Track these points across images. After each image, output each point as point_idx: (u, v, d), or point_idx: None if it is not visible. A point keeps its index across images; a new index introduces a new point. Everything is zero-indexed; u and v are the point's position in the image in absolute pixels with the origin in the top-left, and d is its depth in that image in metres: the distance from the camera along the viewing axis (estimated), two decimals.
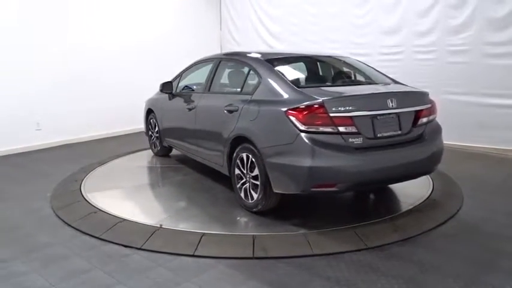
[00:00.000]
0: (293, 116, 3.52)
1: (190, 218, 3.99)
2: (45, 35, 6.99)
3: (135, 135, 8.35)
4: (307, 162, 3.44)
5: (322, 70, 4.90)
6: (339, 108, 3.50)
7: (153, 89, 8.57)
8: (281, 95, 3.84)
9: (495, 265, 3.08)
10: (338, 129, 3.49)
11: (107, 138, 7.95)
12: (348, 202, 4.53)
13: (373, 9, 7.61)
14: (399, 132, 3.78)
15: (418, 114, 3.91)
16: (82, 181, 5.10)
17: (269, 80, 4.06)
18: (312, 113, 3.49)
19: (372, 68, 4.83)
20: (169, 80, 5.83)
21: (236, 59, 4.81)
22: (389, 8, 7.40)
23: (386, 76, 4.62)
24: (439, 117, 6.85)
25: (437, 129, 4.18)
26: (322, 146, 3.44)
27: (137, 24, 8.49)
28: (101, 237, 3.58)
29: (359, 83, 4.62)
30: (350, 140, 3.52)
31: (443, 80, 6.91)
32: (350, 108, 3.54)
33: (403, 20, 7.24)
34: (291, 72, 4.40)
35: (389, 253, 3.29)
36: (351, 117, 3.53)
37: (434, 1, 6.83)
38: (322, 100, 3.50)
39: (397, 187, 4.74)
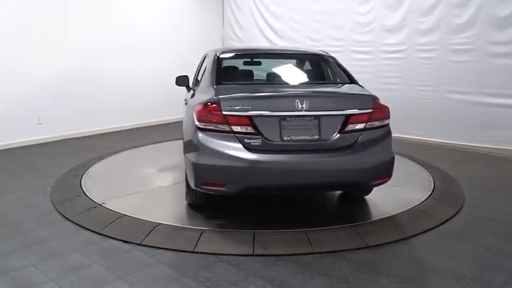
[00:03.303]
0: (195, 113, 3.54)
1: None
2: (46, 30, 6.95)
3: (136, 130, 8.34)
4: (196, 158, 3.45)
5: (270, 68, 4.85)
6: (234, 107, 3.38)
7: (154, 85, 8.60)
8: (202, 91, 3.91)
9: (496, 264, 3.07)
10: (232, 129, 3.37)
11: (107, 133, 7.92)
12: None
13: (376, 7, 7.58)
14: (316, 137, 3.47)
15: (349, 120, 3.51)
16: (82, 176, 5.09)
17: (206, 75, 4.16)
18: (206, 111, 3.45)
19: (339, 67, 4.45)
20: (185, 74, 5.83)
21: (208, 54, 4.79)
22: (392, 6, 7.38)
23: (348, 76, 4.26)
24: (441, 116, 6.93)
25: (382, 139, 3.64)
26: (212, 144, 3.38)
27: (139, 20, 8.46)
28: (100, 232, 3.56)
29: (295, 83, 4.44)
30: (246, 140, 3.36)
31: (446, 79, 6.90)
32: (248, 107, 3.38)
33: (406, 18, 7.22)
34: (232, 69, 4.59)
35: (389, 252, 3.28)
36: (249, 117, 3.38)
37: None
38: (218, 98, 3.46)
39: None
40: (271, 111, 3.44)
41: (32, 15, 6.76)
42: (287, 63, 5.07)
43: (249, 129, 3.38)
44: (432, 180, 4.91)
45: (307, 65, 4.93)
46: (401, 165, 5.72)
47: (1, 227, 3.77)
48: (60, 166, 5.53)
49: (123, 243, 3.39)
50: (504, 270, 3.01)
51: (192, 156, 3.53)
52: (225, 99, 3.46)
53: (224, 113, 3.38)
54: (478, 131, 6.59)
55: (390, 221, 3.81)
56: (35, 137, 6.95)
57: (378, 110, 3.62)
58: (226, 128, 3.38)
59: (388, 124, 3.72)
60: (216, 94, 3.57)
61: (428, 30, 6.97)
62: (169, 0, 9.13)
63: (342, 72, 4.35)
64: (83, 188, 4.66)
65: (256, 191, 3.68)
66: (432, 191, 4.57)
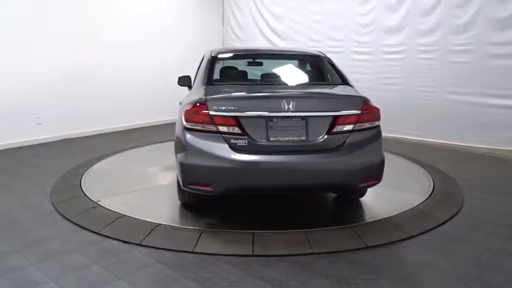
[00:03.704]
0: (183, 113, 3.57)
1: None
2: (46, 29, 6.96)
3: (137, 130, 8.34)
4: (183, 158, 3.50)
5: (265, 69, 4.90)
6: (221, 108, 3.40)
7: (153, 85, 8.61)
8: (194, 92, 3.92)
9: (495, 265, 3.07)
10: (218, 129, 3.39)
11: (108, 133, 7.93)
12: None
13: (376, 7, 7.58)
14: (303, 138, 3.45)
15: (337, 121, 3.48)
16: (82, 176, 5.09)
17: (199, 75, 4.20)
18: (193, 111, 3.48)
19: (333, 67, 4.41)
20: (187, 74, 5.83)
21: (205, 54, 4.81)
22: (392, 7, 7.38)
23: (341, 77, 4.22)
24: (441, 117, 6.93)
25: (371, 140, 3.58)
26: (199, 144, 3.41)
27: (139, 20, 8.46)
28: (100, 232, 3.57)
29: (286, 83, 4.46)
30: (232, 141, 3.37)
31: (446, 79, 6.90)
32: (233, 108, 3.40)
33: (406, 19, 7.23)
34: (226, 69, 4.66)
35: (389, 252, 3.29)
36: (235, 117, 3.39)
37: (438, 0, 6.81)
38: (205, 98, 3.49)
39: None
40: (257, 111, 3.45)
41: (32, 14, 6.76)
42: (282, 63, 5.11)
43: (235, 130, 3.40)
44: (432, 181, 4.91)
45: (302, 66, 4.97)
46: (400, 165, 5.76)
47: (1, 226, 3.78)
48: (60, 166, 5.53)
49: (122, 243, 3.39)
50: (503, 270, 3.01)
51: (180, 156, 3.57)
52: (211, 99, 3.48)
53: (211, 113, 3.40)
54: (477, 132, 6.60)
55: (390, 221, 3.81)
56: (35, 137, 6.95)
57: (367, 112, 3.57)
58: (212, 128, 3.40)
59: (378, 126, 3.67)
60: (205, 94, 3.60)
61: (429, 31, 6.97)
62: (169, 1, 9.13)
63: (335, 73, 4.33)
64: (82, 188, 4.66)
65: (242, 191, 3.70)
66: (432, 192, 4.57)
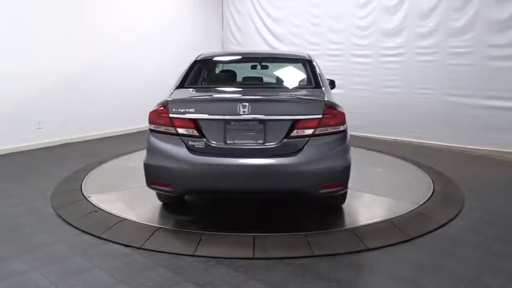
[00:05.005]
0: (148, 115, 3.66)
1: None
2: (45, 33, 6.97)
3: (136, 134, 8.34)
4: (146, 158, 3.63)
5: (247, 72, 5.03)
6: (179, 110, 3.49)
7: (154, 88, 8.60)
8: (166, 95, 3.99)
9: (496, 267, 3.08)
10: (177, 131, 3.48)
11: (108, 137, 7.93)
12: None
13: (375, 10, 7.61)
14: (261, 141, 3.43)
15: (296, 125, 3.43)
16: (83, 180, 5.10)
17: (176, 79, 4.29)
18: (156, 113, 3.60)
19: (311, 70, 4.37)
20: None
21: None
22: (391, 10, 7.41)
23: (315, 80, 4.17)
24: (440, 119, 6.95)
25: (334, 145, 3.49)
26: (159, 146, 3.54)
27: (138, 24, 8.49)
28: (101, 236, 3.57)
29: (259, 87, 4.61)
30: (190, 143, 3.45)
31: (445, 82, 6.93)
32: (192, 110, 3.47)
33: (405, 22, 7.26)
34: (204, 73, 4.75)
35: (389, 254, 3.29)
36: (193, 119, 3.46)
37: (437, 3, 6.84)
38: (167, 100, 3.58)
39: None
40: (214, 114, 3.50)
41: (30, 16, 6.76)
42: (265, 67, 5.22)
43: (194, 132, 3.47)
44: (432, 183, 4.92)
45: (284, 69, 5.01)
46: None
47: (2, 231, 3.78)
48: (60, 170, 5.54)
49: (123, 247, 3.40)
50: (503, 272, 3.01)
51: (144, 157, 3.67)
52: (172, 101, 3.57)
53: (170, 115, 3.49)
54: (477, 134, 6.61)
55: (390, 223, 3.81)
56: (36, 142, 6.96)
57: (329, 116, 3.48)
58: (172, 130, 3.50)
59: (343, 130, 3.56)
60: (169, 97, 3.69)
61: (427, 33, 7.00)
62: (168, 4, 9.16)
63: (312, 76, 4.29)
64: (83, 192, 4.67)
65: (201, 193, 3.78)
66: (432, 194, 4.58)
